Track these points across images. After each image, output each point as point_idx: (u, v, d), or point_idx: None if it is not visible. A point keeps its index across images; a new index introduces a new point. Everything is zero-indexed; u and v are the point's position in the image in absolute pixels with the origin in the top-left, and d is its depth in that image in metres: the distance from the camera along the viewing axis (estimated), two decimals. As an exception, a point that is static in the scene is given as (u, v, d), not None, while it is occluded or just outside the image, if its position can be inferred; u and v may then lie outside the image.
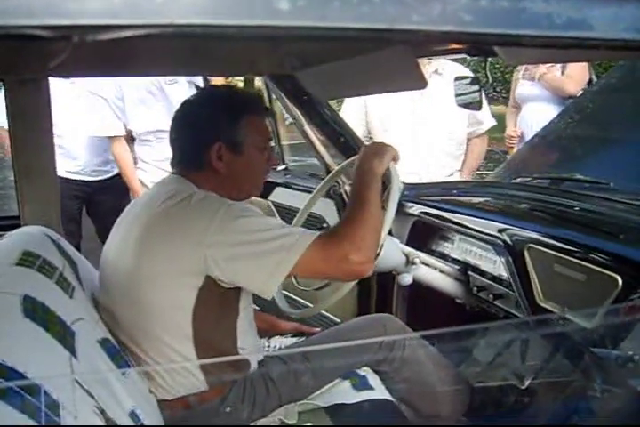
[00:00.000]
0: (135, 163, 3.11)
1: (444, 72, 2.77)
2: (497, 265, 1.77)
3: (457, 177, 2.94)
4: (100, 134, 3.03)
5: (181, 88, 2.94)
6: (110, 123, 2.98)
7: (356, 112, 3.03)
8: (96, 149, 3.08)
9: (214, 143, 1.42)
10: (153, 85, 2.94)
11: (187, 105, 1.51)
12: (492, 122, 3.00)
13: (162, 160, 2.96)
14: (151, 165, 3.04)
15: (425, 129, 2.86)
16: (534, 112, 3.47)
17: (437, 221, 2.01)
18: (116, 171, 3.13)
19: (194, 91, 2.91)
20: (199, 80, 3.01)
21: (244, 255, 1.30)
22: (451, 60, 2.79)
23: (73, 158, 2.96)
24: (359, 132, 2.58)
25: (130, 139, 3.13)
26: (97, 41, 0.41)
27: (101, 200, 3.17)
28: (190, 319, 1.37)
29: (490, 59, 1.42)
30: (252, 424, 1.49)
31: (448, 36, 0.46)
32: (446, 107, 2.80)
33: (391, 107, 2.90)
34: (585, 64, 3.30)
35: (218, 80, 3.19)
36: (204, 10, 0.38)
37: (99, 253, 1.54)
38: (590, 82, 3.32)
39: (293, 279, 1.76)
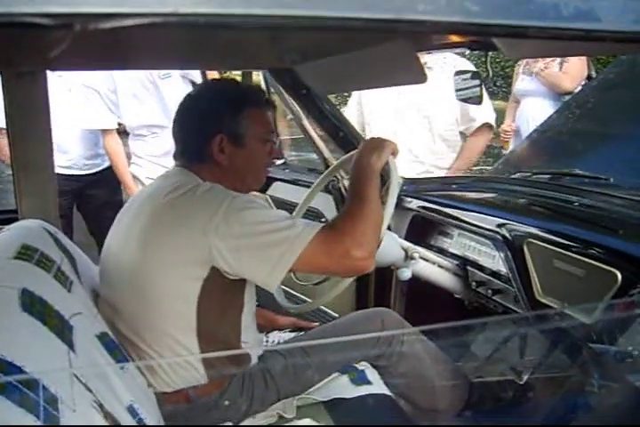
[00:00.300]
0: (129, 158, 3.11)
1: (440, 66, 2.72)
2: (496, 260, 1.77)
3: (434, 175, 2.80)
4: (92, 127, 3.01)
5: (175, 83, 2.94)
6: (103, 116, 2.97)
7: (353, 107, 3.03)
8: (87, 143, 3.06)
9: (216, 135, 1.43)
10: (146, 79, 2.92)
11: (189, 98, 1.52)
12: (486, 118, 2.82)
13: (156, 155, 2.96)
14: (145, 160, 3.03)
15: (403, 123, 2.82)
16: (531, 107, 3.48)
17: (436, 215, 2.01)
18: (107, 164, 3.12)
19: (188, 85, 2.93)
20: (193, 75, 3.00)
21: (248, 247, 1.30)
22: (456, 53, 2.74)
23: (64, 152, 2.93)
24: (356, 126, 2.56)
25: (124, 133, 3.13)
26: (98, 30, 0.40)
27: (93, 194, 3.15)
28: (195, 311, 1.37)
29: (490, 53, 1.42)
30: (251, 419, 1.49)
31: (454, 26, 0.45)
32: (431, 101, 2.77)
33: (377, 101, 2.88)
34: (583, 60, 3.30)
35: (215, 75, 3.18)
36: (208, -2, 0.38)
37: (89, 249, 1.53)
38: (589, 78, 3.32)
39: (292, 274, 1.75)
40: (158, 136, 2.97)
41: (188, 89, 2.90)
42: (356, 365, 1.63)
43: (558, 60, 3.32)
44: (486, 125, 2.84)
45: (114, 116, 3.00)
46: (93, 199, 3.16)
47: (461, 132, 2.88)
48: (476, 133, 2.86)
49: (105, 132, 3.02)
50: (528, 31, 0.47)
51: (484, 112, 2.80)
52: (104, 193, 3.14)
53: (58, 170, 2.80)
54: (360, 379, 1.59)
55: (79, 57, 1.37)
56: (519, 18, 0.47)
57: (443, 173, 2.86)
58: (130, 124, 3.04)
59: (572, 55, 2.69)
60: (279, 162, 2.80)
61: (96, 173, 3.12)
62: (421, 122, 2.81)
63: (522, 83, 3.56)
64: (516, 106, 3.65)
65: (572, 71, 3.34)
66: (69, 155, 3.00)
